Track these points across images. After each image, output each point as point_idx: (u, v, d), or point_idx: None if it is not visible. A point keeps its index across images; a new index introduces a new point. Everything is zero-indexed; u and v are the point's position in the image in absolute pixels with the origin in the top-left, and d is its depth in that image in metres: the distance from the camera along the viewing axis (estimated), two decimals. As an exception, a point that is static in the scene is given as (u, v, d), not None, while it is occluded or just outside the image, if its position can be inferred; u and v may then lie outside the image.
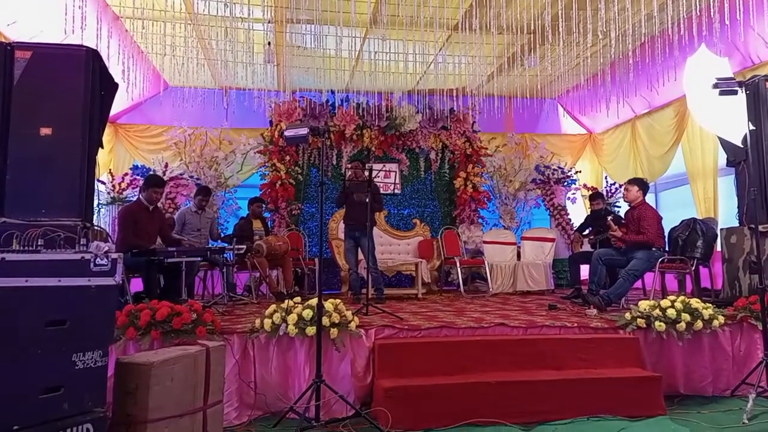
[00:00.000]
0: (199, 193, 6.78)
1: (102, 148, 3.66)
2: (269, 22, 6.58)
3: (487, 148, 9.00)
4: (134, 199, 6.48)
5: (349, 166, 6.33)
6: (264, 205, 7.60)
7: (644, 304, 4.30)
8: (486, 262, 7.67)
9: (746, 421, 3.50)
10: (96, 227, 4.45)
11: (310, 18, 5.86)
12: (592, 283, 5.51)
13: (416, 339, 4.16)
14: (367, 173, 5.70)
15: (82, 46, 3.35)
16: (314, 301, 3.72)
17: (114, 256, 2.53)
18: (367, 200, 5.63)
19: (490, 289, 7.48)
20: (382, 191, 7.36)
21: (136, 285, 5.24)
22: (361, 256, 6.34)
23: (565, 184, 9.31)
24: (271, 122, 8.44)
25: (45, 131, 3.13)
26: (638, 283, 5.96)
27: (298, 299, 4.06)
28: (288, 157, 8.29)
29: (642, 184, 5.72)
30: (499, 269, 7.74)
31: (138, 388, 2.67)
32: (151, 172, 7.79)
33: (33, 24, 5.24)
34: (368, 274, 5.74)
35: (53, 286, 2.35)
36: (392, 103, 8.49)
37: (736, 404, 3.90)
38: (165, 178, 8.10)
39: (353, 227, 6.19)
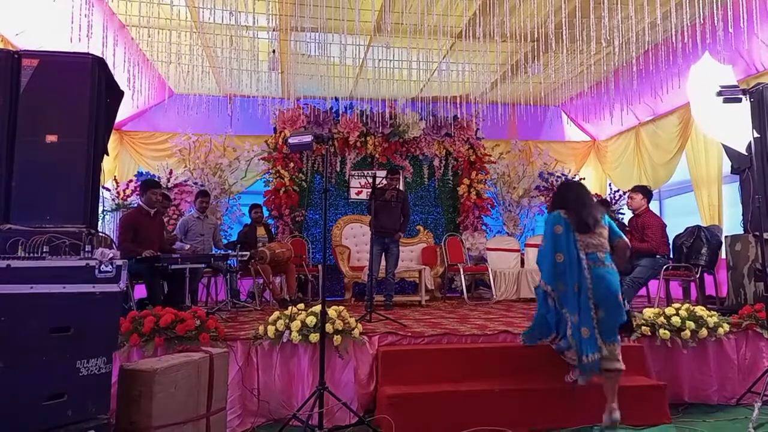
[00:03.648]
0: (199, 196, 6.82)
1: (107, 155, 3.67)
2: (274, 30, 6.61)
3: (490, 155, 9.00)
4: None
5: (382, 175, 6.56)
6: (263, 211, 7.55)
7: (649, 312, 4.29)
8: (490, 269, 7.65)
9: (752, 430, 3.47)
10: (101, 234, 4.46)
11: (314, 26, 5.88)
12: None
13: (420, 346, 4.15)
14: (372, 180, 5.75)
15: (88, 54, 3.37)
16: (317, 308, 3.73)
17: (118, 262, 2.54)
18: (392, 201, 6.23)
19: (494, 296, 7.47)
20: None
21: (140, 292, 5.25)
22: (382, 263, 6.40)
23: (569, 191, 9.27)
24: (275, 129, 8.47)
25: (51, 138, 3.15)
26: (643, 291, 5.95)
27: (301, 306, 4.07)
28: (292, 164, 8.31)
29: (646, 192, 5.72)
30: (503, 276, 7.73)
31: (142, 395, 2.67)
32: (155, 179, 7.81)
33: (40, 33, 5.28)
34: (370, 281, 5.73)
35: (58, 292, 2.37)
36: (396, 111, 8.50)
37: (742, 413, 3.88)
38: (169, 185, 8.15)
39: (383, 234, 6.20)
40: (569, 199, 3.74)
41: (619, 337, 3.55)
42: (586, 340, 3.44)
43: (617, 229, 3.76)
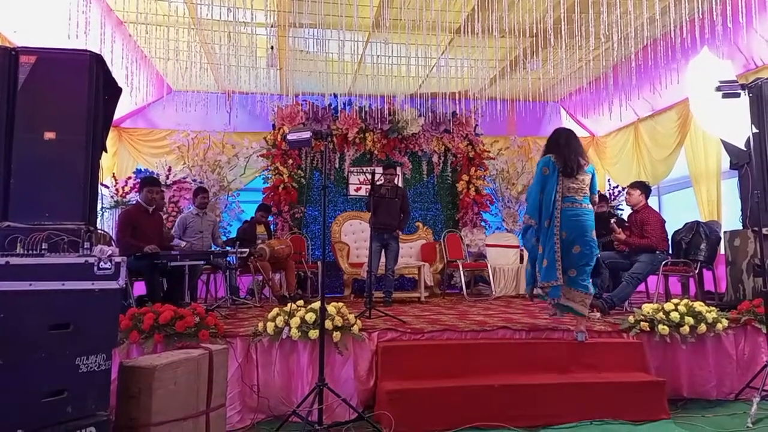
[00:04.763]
0: (198, 192, 6.81)
1: (106, 152, 3.66)
2: (272, 27, 6.60)
3: (489, 151, 9.00)
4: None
5: (380, 171, 6.60)
6: (269, 216, 7.59)
7: (648, 308, 4.30)
8: (489, 265, 7.66)
9: (750, 425, 3.49)
10: (99, 231, 4.45)
11: (312, 22, 5.87)
12: (595, 287, 5.50)
13: (419, 342, 4.15)
14: (371, 177, 5.74)
15: (85, 50, 3.35)
16: (317, 305, 3.72)
17: (117, 259, 2.54)
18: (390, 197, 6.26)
19: (493, 292, 7.47)
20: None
21: (140, 289, 5.25)
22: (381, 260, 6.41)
23: (568, 187, 9.28)
24: (273, 126, 8.46)
25: (49, 135, 3.13)
26: (642, 287, 5.95)
27: (300, 302, 4.07)
28: (291, 161, 8.30)
29: (644, 188, 5.72)
30: (502, 272, 7.73)
31: (141, 392, 2.67)
32: (154, 176, 7.80)
33: (37, 30, 5.27)
34: (370, 278, 5.73)
35: (57, 289, 2.36)
36: (395, 107, 8.50)
37: (740, 408, 3.89)
38: (168, 182, 8.13)
39: (382, 231, 6.23)
40: (559, 144, 4.15)
41: (589, 284, 4.06)
42: (545, 268, 3.98)
43: (596, 183, 4.26)
